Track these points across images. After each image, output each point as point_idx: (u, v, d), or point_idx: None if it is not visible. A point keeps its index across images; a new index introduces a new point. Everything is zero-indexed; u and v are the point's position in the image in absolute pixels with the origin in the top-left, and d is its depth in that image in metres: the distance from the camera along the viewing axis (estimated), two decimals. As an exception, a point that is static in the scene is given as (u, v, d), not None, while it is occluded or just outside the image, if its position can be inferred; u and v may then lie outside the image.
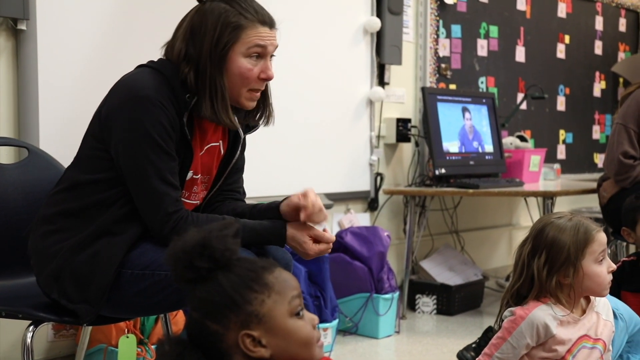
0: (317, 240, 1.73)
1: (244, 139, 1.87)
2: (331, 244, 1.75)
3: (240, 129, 1.83)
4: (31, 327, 1.68)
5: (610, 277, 1.67)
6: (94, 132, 1.70)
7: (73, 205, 1.68)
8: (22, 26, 2.35)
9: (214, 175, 1.85)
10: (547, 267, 1.65)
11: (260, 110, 1.83)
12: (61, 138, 2.40)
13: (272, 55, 1.75)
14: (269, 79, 1.74)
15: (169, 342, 1.11)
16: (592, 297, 1.72)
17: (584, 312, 1.70)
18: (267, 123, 1.86)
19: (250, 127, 1.88)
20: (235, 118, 1.74)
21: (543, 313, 1.64)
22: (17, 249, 1.78)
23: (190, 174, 1.75)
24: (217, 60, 1.67)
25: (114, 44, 2.54)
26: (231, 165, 1.85)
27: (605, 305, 1.75)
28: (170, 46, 1.74)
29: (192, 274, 1.10)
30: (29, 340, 1.67)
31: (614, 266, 1.68)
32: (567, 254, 1.63)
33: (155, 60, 1.75)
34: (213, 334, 1.09)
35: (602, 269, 1.66)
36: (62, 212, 1.69)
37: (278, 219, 1.75)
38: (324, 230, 1.76)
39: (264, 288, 1.11)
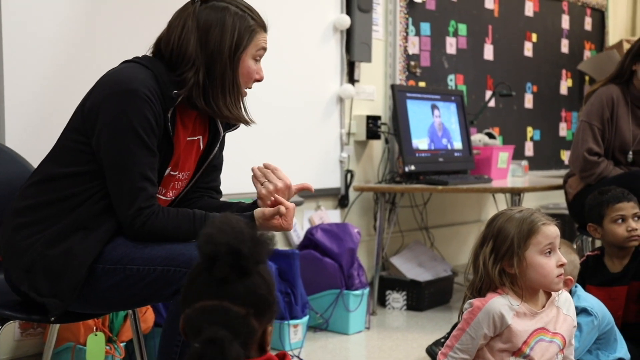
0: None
1: (224, 137, 1.90)
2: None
3: (220, 125, 1.86)
4: (-3, 326, 1.67)
5: (560, 271, 1.68)
6: (76, 125, 1.70)
7: (47, 198, 1.68)
8: (-13, 21, 2.31)
9: (192, 171, 1.86)
10: (493, 255, 1.68)
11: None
12: (27, 135, 2.37)
13: None
14: (261, 79, 1.84)
15: (230, 341, 1.05)
16: (553, 292, 1.74)
17: (544, 306, 1.73)
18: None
19: (230, 125, 1.90)
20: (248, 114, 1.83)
21: (499, 303, 1.67)
22: (-18, 247, 1.75)
23: (168, 170, 1.76)
24: (236, 60, 1.74)
25: (81, 41, 2.52)
26: (208, 161, 1.87)
27: (567, 301, 1.78)
28: (169, 43, 1.73)
29: (255, 268, 1.10)
30: (-6, 338, 1.66)
31: (563, 260, 1.69)
32: (511, 243, 1.67)
33: (140, 56, 1.76)
34: (251, 330, 1.09)
35: (548, 262, 1.67)
36: (35, 205, 1.68)
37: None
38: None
39: (275, 287, 1.19)
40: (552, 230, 1.69)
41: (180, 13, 1.77)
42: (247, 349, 1.09)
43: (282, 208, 1.71)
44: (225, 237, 1.08)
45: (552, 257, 1.69)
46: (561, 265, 1.68)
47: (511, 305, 1.67)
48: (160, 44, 1.76)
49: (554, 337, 1.71)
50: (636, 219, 2.40)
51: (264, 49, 1.82)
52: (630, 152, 3.11)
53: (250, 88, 1.84)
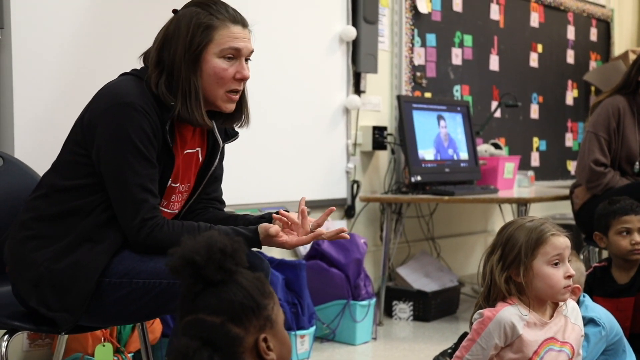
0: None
1: (223, 147, 1.88)
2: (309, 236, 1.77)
3: (219, 136, 1.84)
4: (6, 337, 1.67)
5: (567, 282, 1.68)
6: (76, 138, 1.71)
7: (52, 211, 1.68)
8: (-3, 34, 2.34)
9: (193, 183, 1.85)
10: (501, 263, 1.69)
11: (237, 114, 1.82)
12: (36, 147, 2.38)
13: (247, 59, 1.75)
14: (244, 79, 1.73)
15: (194, 351, 1.08)
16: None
17: (552, 315, 1.73)
18: (242, 125, 1.86)
19: (229, 136, 1.88)
20: (207, 118, 1.72)
21: (510, 313, 1.67)
22: (-8, 258, 1.77)
23: (169, 182, 1.76)
24: (190, 61, 1.68)
25: (90, 53, 2.54)
26: (209, 173, 1.86)
27: (574, 310, 1.78)
28: (146, 54, 1.76)
29: (221, 275, 1.11)
30: (3, 350, 1.66)
31: (572, 272, 1.69)
32: (519, 251, 1.67)
33: (138, 68, 1.77)
34: (233, 338, 1.10)
35: (555, 272, 1.67)
36: (41, 218, 1.69)
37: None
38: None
39: (270, 295, 1.16)
40: (561, 241, 1.69)
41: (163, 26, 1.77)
42: (236, 358, 1.09)
43: (275, 228, 1.69)
44: (180, 251, 1.11)
45: (560, 268, 1.69)
46: (569, 277, 1.69)
47: (521, 315, 1.67)
48: (144, 56, 1.77)
49: (563, 346, 1.71)
50: None
51: (233, 48, 1.69)
52: (637, 163, 3.11)
53: (233, 90, 1.73)
